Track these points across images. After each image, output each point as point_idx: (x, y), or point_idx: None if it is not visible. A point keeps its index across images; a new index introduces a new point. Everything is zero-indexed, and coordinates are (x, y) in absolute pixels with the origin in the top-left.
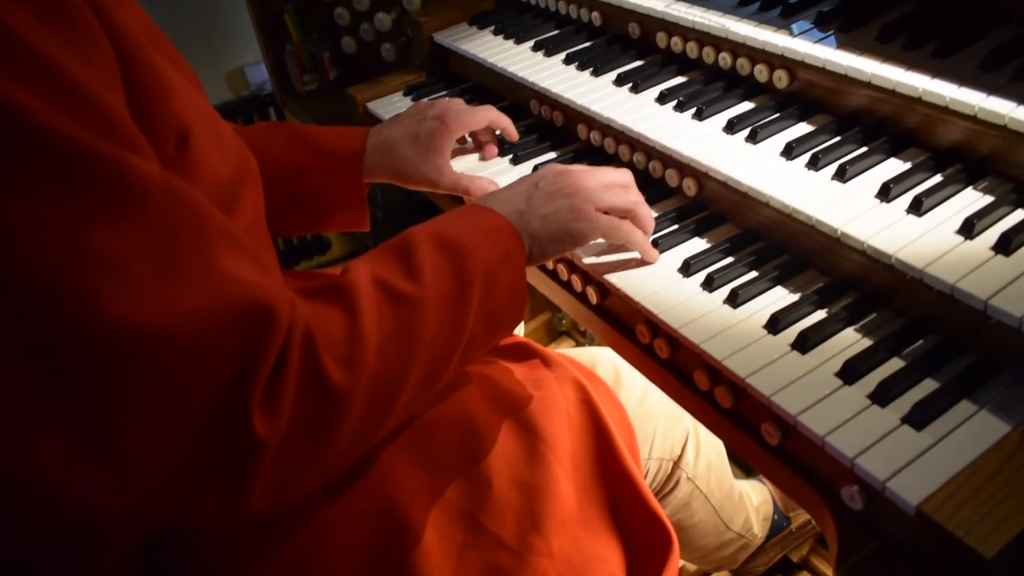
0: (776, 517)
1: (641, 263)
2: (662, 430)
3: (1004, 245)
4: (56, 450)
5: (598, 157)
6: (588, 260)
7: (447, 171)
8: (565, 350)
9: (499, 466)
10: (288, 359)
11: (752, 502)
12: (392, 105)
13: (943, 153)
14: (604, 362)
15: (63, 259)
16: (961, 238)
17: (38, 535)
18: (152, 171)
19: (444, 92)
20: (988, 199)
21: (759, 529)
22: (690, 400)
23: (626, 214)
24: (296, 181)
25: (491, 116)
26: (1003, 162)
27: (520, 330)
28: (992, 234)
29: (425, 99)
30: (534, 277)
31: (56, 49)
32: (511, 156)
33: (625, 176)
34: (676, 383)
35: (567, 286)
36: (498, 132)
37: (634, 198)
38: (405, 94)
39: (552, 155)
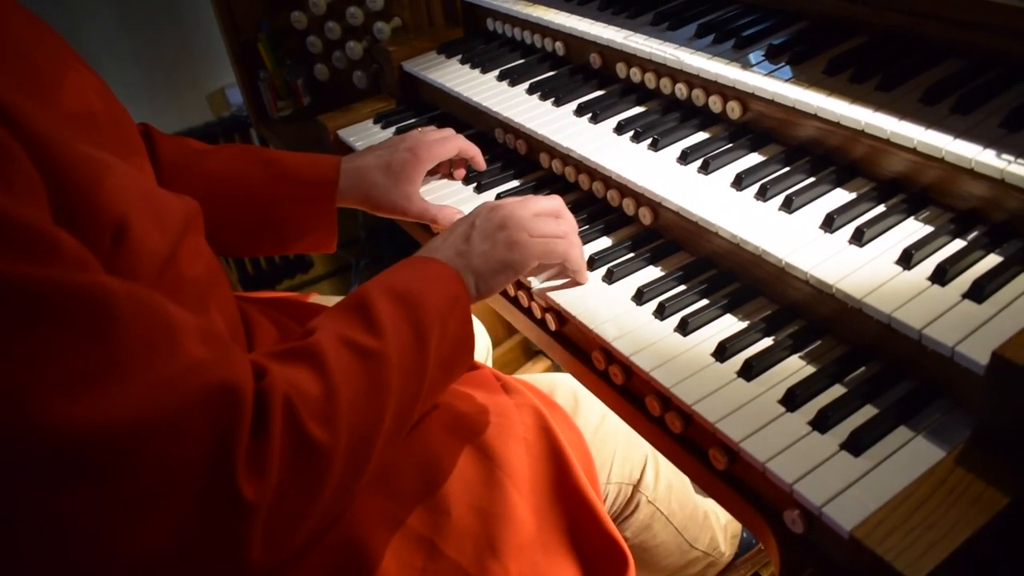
0: (745, 535)
1: (595, 290)
2: (620, 454)
3: (940, 276)
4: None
5: (559, 185)
6: (537, 285)
7: (416, 199)
8: (525, 376)
9: (458, 493)
10: (271, 423)
11: (719, 520)
12: (363, 132)
13: (887, 183)
14: (563, 388)
15: (22, 386)
16: (900, 268)
17: None
18: (94, 280)
19: (413, 120)
20: (928, 229)
21: (726, 547)
22: (644, 425)
23: (560, 238)
24: (268, 208)
25: (461, 146)
26: (944, 192)
27: (488, 357)
28: (929, 264)
29: (394, 127)
30: (499, 304)
31: None
32: (475, 184)
33: (555, 203)
34: (630, 408)
35: (528, 312)
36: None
37: (564, 227)
38: (375, 122)
39: (515, 184)
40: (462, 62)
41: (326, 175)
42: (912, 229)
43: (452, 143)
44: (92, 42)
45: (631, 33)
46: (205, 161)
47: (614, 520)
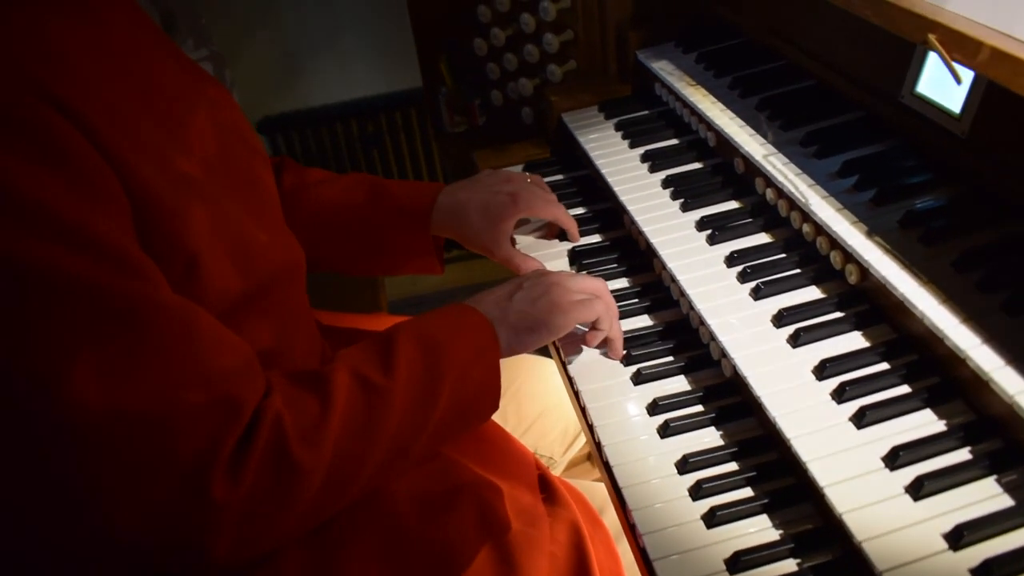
0: None
1: (646, 442)
2: None
3: (984, 574)
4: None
5: (662, 296)
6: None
7: (504, 245)
8: (582, 482)
9: None
10: (256, 436)
11: None
12: None
13: (986, 420)
14: (613, 508)
15: (60, 364)
16: (945, 545)
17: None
18: (143, 290)
19: (560, 177)
20: (1003, 502)
21: None
22: None
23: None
24: (371, 233)
25: (558, 215)
26: None
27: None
28: (979, 552)
29: (529, 174)
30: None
31: (67, 202)
32: (585, 272)
33: (599, 284)
34: (644, 570)
35: (591, 430)
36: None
37: (599, 307)
38: (524, 169)
39: (624, 282)
40: (616, 128)
41: (424, 204)
42: (986, 494)
43: (550, 209)
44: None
45: (774, 151)
46: (320, 190)
47: None
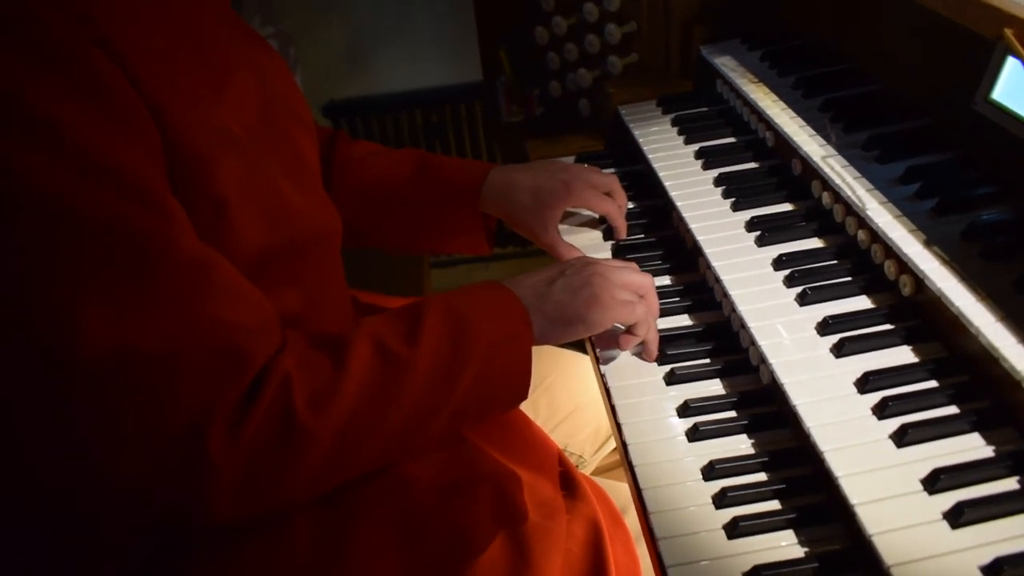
0: None
1: (674, 443)
2: None
3: None
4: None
5: (707, 297)
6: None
7: (551, 230)
8: (607, 480)
9: None
10: (261, 395)
11: None
12: None
13: None
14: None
15: (72, 293)
16: None
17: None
18: (164, 230)
19: (612, 170)
20: None
21: None
22: None
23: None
24: (419, 206)
25: (609, 210)
26: None
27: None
28: None
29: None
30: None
31: (98, 135)
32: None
33: (645, 280)
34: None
35: (619, 430)
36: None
37: (640, 311)
38: (576, 162)
39: (667, 280)
40: (673, 123)
41: (473, 180)
42: None
43: (603, 204)
44: None
45: (833, 153)
46: (370, 162)
47: None
